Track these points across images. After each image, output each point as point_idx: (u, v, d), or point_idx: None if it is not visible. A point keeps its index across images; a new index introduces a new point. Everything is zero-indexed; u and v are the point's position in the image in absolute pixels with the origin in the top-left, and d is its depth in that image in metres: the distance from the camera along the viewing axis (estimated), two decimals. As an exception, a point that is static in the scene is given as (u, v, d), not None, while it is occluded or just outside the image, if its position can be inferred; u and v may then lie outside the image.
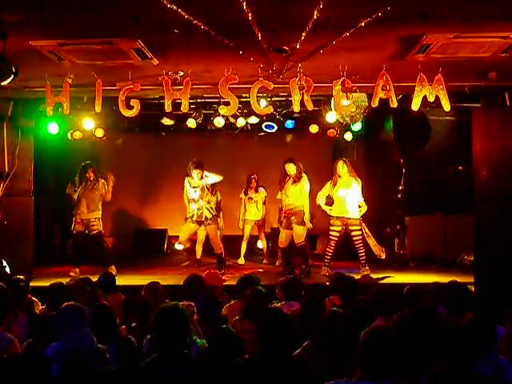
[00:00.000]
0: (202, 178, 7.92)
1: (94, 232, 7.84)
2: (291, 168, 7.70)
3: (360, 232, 7.61)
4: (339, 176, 7.60)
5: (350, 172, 7.63)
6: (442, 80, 5.42)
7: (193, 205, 7.99)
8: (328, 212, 7.68)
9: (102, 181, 7.99)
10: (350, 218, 7.58)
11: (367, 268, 7.55)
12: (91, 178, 7.92)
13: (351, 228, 7.60)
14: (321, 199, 7.71)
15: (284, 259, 8.10)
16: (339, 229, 7.63)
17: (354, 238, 7.63)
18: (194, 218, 7.95)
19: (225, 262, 8.11)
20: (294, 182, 7.71)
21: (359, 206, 7.66)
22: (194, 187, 7.91)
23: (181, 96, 5.72)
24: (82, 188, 7.90)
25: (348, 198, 7.55)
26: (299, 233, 7.71)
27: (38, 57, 5.19)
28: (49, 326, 3.55)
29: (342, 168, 7.59)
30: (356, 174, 7.74)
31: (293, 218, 7.71)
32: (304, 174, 7.76)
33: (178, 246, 8.63)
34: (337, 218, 7.62)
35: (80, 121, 8.20)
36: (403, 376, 2.73)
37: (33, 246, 7.45)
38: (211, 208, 8.01)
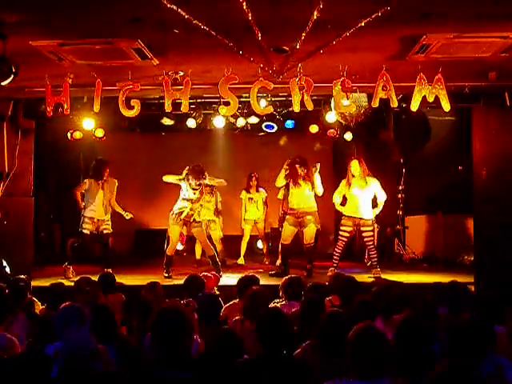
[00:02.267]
0: (199, 183, 7.58)
1: (107, 231, 7.73)
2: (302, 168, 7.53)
3: (372, 233, 7.53)
4: (353, 175, 7.49)
5: (365, 171, 7.48)
6: (441, 80, 5.42)
7: (186, 203, 7.64)
8: (343, 212, 7.58)
9: (115, 180, 7.85)
10: (362, 219, 7.46)
11: (378, 270, 7.40)
12: (105, 177, 7.71)
13: (363, 229, 7.50)
14: (337, 198, 7.58)
15: (283, 258, 7.76)
16: (350, 229, 7.52)
17: (366, 239, 7.55)
18: (182, 216, 7.59)
19: (218, 264, 7.67)
20: (304, 179, 7.52)
21: (376, 206, 7.54)
22: (194, 189, 7.61)
23: (181, 96, 5.72)
24: (97, 186, 7.68)
25: (361, 198, 7.44)
26: (312, 233, 7.57)
27: (38, 57, 5.19)
28: (49, 325, 3.55)
29: (355, 167, 7.47)
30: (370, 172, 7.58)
31: (310, 217, 7.49)
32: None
33: (178, 246, 8.61)
34: (349, 217, 7.51)
35: (80, 121, 8.19)
36: (400, 375, 2.73)
37: (33, 245, 7.44)
38: (199, 212, 7.77)
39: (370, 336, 2.72)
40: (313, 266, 7.58)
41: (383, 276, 7.34)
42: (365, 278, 7.21)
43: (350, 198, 7.55)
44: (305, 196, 7.58)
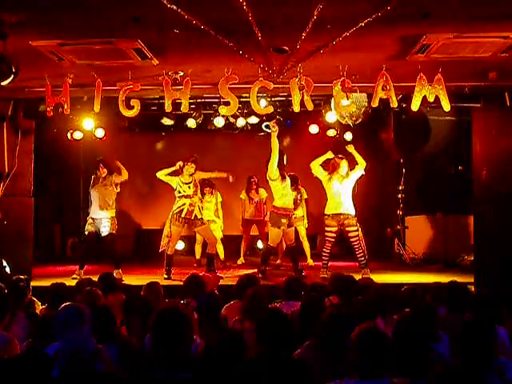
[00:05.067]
0: (192, 174, 7.59)
1: (107, 233, 7.59)
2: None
3: (357, 233, 7.30)
4: (337, 172, 7.33)
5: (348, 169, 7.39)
6: (441, 80, 5.42)
7: (183, 199, 7.55)
8: (325, 212, 7.45)
9: (114, 174, 7.78)
10: (343, 214, 7.27)
11: (367, 270, 7.24)
12: (103, 175, 7.67)
13: (348, 229, 7.30)
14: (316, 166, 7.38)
15: (264, 260, 7.65)
16: (335, 229, 7.34)
17: (352, 239, 7.32)
18: (183, 215, 7.47)
19: (213, 264, 7.62)
20: (284, 178, 7.41)
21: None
22: (186, 183, 7.57)
23: (181, 96, 5.73)
24: (94, 185, 7.69)
25: (341, 191, 7.29)
26: (293, 233, 7.58)
27: (38, 57, 5.19)
28: (49, 325, 3.55)
29: (343, 167, 7.34)
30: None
31: (294, 217, 7.52)
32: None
33: (178, 246, 8.60)
34: (332, 217, 7.32)
35: (80, 121, 8.19)
36: (400, 375, 2.73)
37: (33, 245, 7.44)
38: (201, 208, 7.70)
39: (374, 337, 2.72)
40: (299, 266, 7.49)
41: (383, 277, 7.33)
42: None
43: (329, 195, 7.37)
44: (290, 193, 7.48)
